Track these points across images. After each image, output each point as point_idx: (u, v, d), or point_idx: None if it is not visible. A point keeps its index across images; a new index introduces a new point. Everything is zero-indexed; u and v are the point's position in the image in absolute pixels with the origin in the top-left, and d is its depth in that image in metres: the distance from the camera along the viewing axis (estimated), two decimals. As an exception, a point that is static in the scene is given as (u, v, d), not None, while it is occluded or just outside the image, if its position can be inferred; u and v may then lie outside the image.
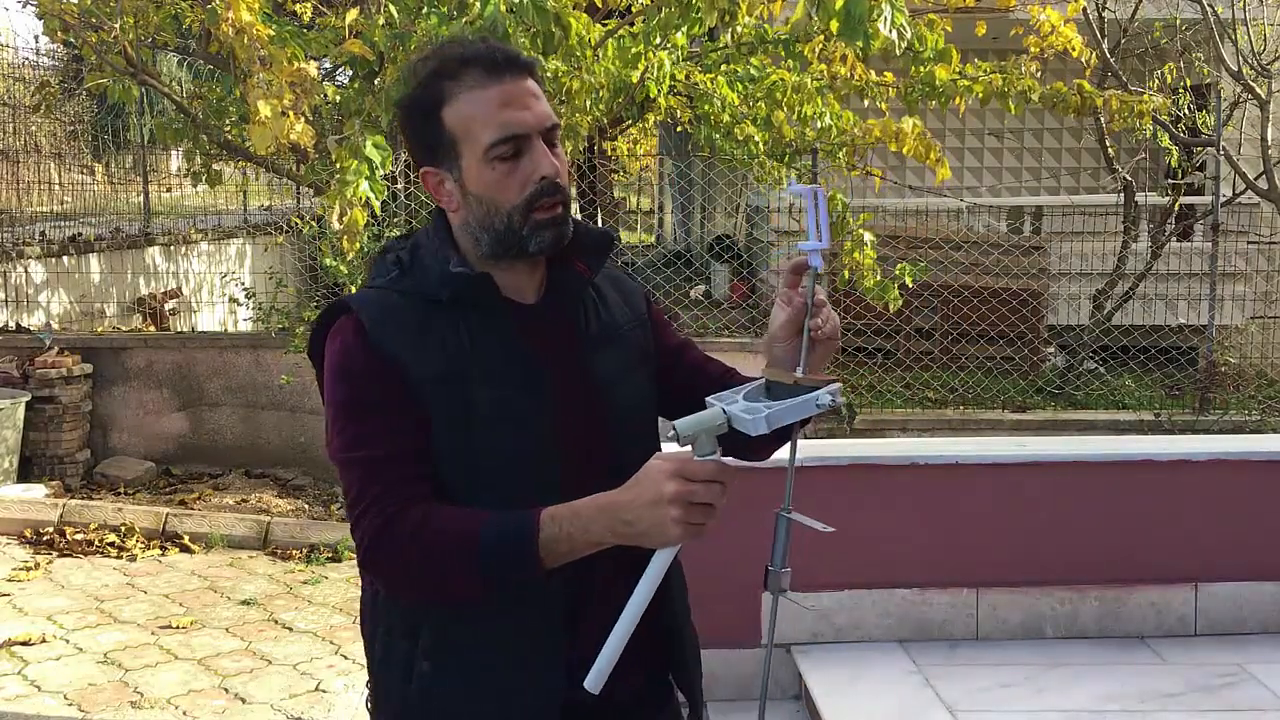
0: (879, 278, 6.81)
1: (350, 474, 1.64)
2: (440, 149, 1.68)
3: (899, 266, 6.82)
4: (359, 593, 1.83)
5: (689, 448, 1.53)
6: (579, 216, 2.13)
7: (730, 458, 1.62)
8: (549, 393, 1.69)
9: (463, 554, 1.57)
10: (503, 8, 4.69)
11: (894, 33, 4.64)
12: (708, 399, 1.59)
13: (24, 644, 5.09)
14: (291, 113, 4.78)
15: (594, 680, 1.54)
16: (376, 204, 5.20)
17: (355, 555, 1.66)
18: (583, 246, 1.78)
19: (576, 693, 1.59)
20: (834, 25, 4.59)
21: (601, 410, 1.73)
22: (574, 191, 1.88)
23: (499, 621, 1.67)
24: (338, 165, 5.03)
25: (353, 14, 5.41)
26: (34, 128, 11.06)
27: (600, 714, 1.67)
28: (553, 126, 1.68)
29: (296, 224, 9.02)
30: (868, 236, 6.58)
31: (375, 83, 5.55)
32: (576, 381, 1.73)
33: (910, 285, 7.00)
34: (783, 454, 1.72)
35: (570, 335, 1.76)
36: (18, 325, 8.65)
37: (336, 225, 4.92)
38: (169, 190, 13.05)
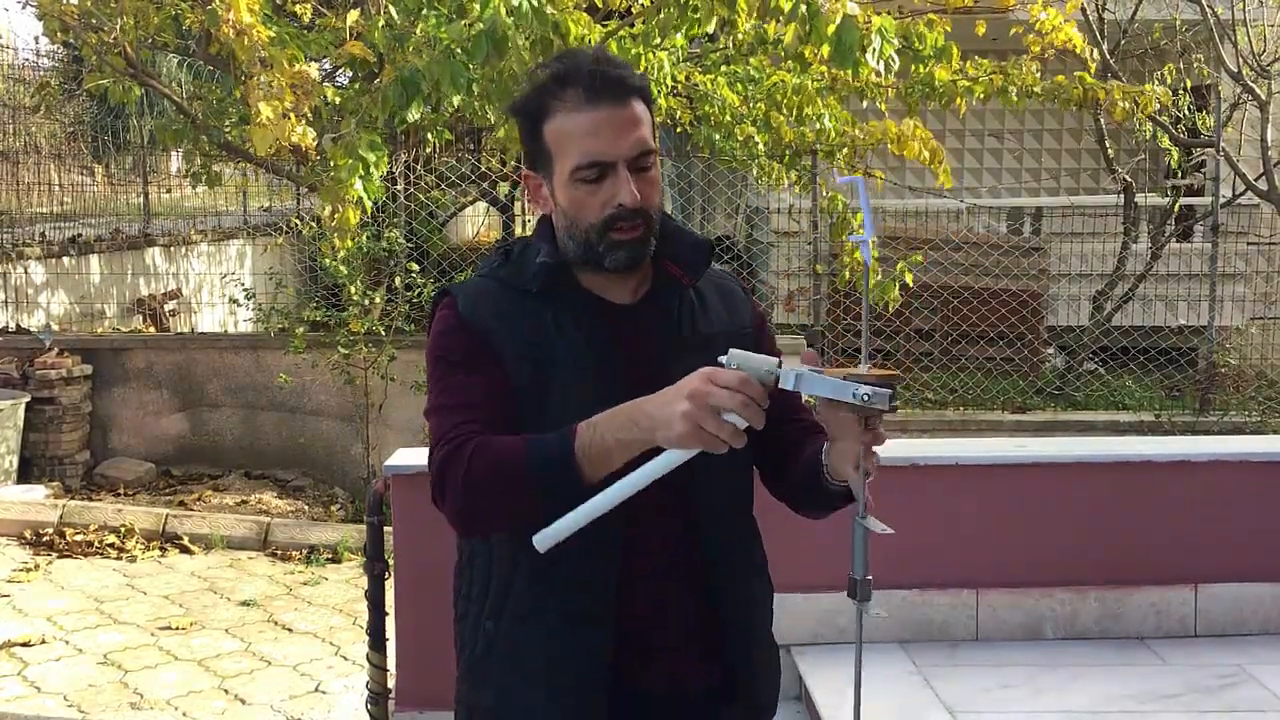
0: (879, 278, 6.82)
1: (432, 421, 1.78)
2: (540, 158, 1.80)
3: (899, 265, 6.81)
4: (359, 593, 1.86)
5: None
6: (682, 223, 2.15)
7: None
8: (623, 382, 1.72)
9: (511, 463, 1.66)
10: (503, 11, 4.70)
11: (881, 64, 4.71)
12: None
13: (24, 645, 5.09)
14: (293, 115, 4.78)
15: (540, 540, 1.61)
16: (368, 203, 5.20)
17: (431, 493, 1.75)
18: (678, 252, 1.84)
19: (640, 678, 1.76)
20: (825, 50, 4.64)
21: None
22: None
23: (553, 587, 1.77)
24: (332, 164, 5.04)
25: (353, 16, 5.42)
26: (34, 129, 11.05)
27: (664, 702, 1.76)
28: (643, 153, 1.75)
29: (296, 225, 9.02)
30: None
31: (374, 83, 5.56)
32: (654, 380, 1.73)
33: (910, 285, 7.00)
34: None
35: (656, 337, 1.81)
36: (18, 326, 8.65)
37: (329, 222, 4.94)
38: (169, 191, 13.03)
